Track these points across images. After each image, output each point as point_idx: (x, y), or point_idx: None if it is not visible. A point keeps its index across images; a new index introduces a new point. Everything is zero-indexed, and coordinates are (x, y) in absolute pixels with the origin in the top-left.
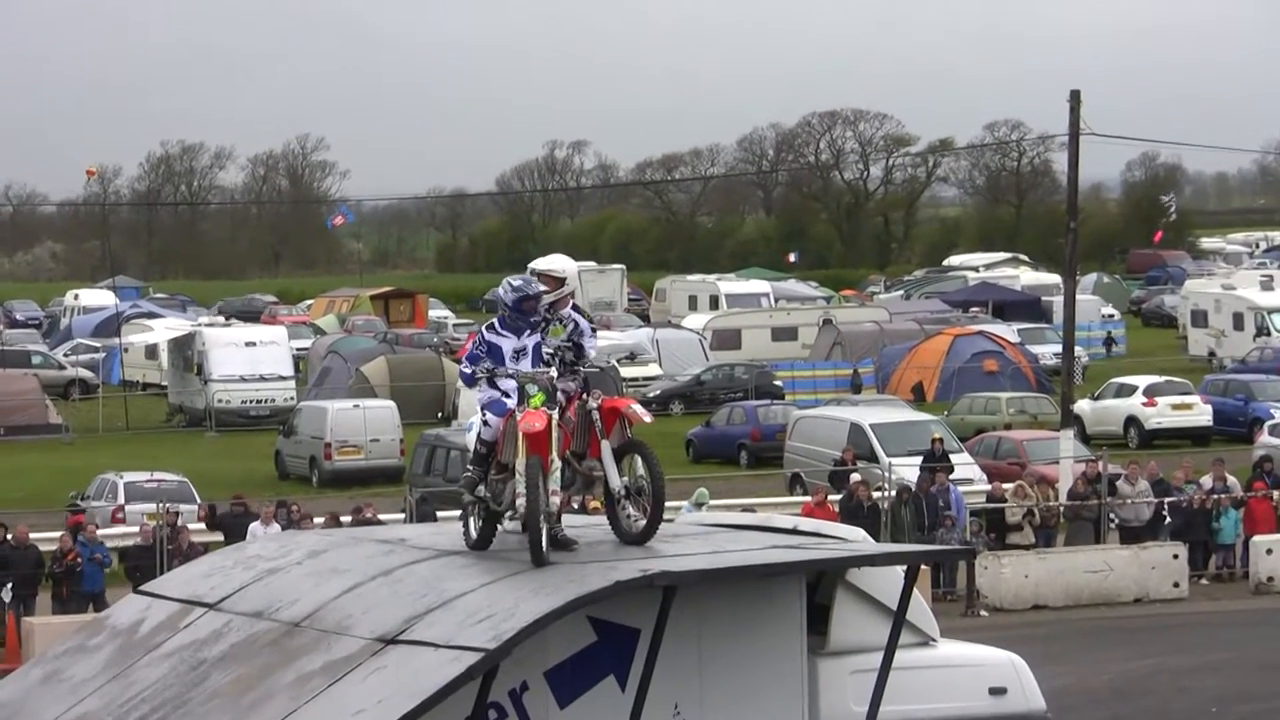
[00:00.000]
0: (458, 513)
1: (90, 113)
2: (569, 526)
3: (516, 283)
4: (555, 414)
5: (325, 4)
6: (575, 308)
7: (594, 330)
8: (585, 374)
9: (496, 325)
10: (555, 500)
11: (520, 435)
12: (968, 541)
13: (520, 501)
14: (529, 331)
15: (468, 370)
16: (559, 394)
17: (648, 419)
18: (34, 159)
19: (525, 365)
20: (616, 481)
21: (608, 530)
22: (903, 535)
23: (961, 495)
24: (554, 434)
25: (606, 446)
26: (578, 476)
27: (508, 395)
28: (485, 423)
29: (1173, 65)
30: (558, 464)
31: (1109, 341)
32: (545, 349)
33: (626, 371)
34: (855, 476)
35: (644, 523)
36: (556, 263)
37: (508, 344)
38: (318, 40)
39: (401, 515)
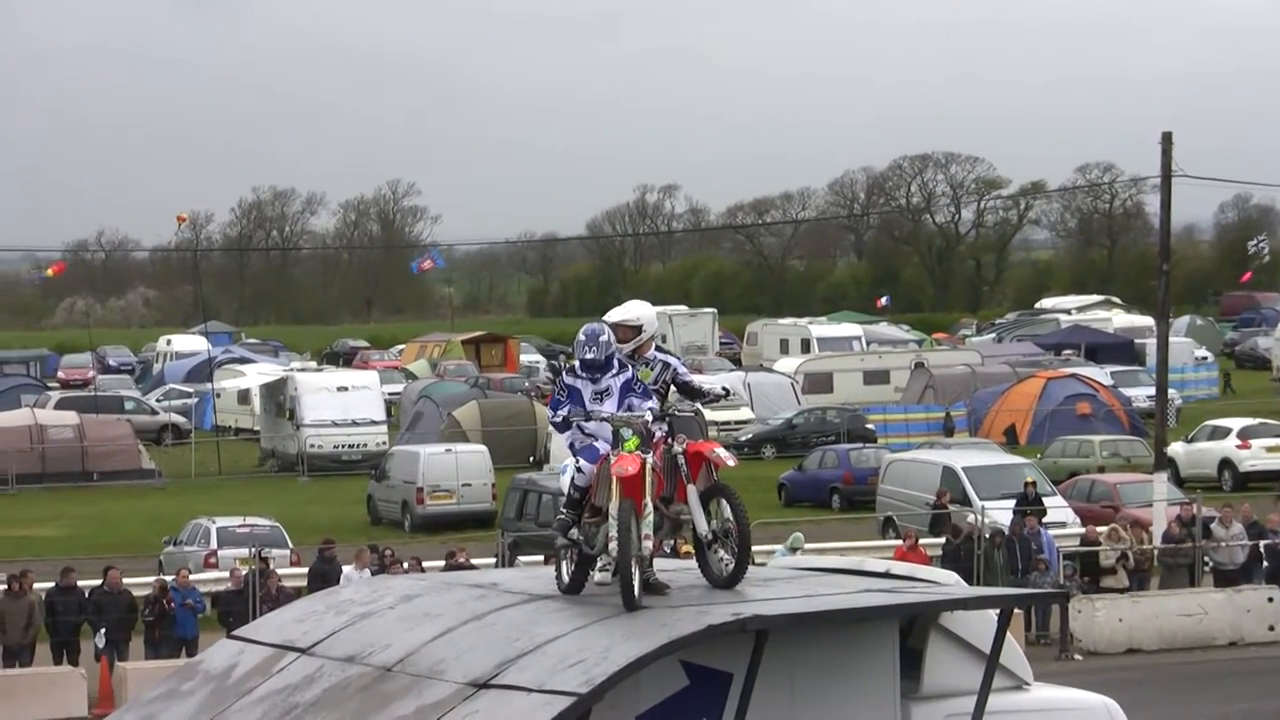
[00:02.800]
0: (539, 557)
1: (181, 160)
2: (660, 570)
3: (581, 338)
4: (650, 457)
5: (415, 52)
6: (660, 348)
7: (690, 367)
8: (671, 419)
9: (576, 368)
10: (648, 544)
11: (614, 479)
12: (1061, 585)
13: (613, 545)
14: (614, 372)
15: (556, 418)
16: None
17: (732, 463)
18: (126, 206)
19: (610, 406)
20: (704, 525)
21: (699, 575)
22: (996, 579)
23: (1054, 539)
24: (648, 478)
25: (693, 491)
26: (665, 521)
27: (596, 439)
28: (579, 468)
29: (1266, 106)
30: (650, 508)
31: (1226, 377)
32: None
33: (717, 415)
34: (969, 518)
35: (733, 566)
36: (630, 312)
37: (587, 388)
38: (408, 88)
39: (493, 560)
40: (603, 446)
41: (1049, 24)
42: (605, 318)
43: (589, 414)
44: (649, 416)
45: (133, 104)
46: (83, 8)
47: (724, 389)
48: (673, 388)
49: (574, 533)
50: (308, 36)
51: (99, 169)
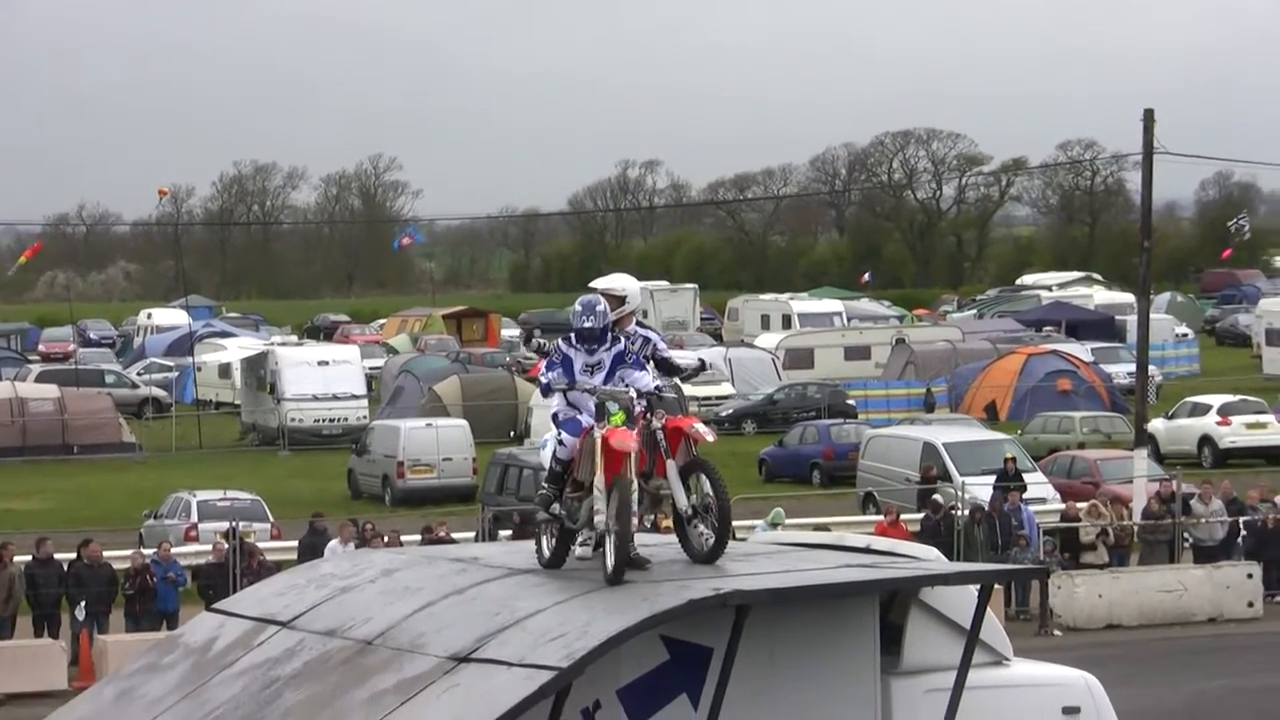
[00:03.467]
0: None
1: (163, 134)
2: (641, 546)
3: (578, 308)
4: (635, 432)
5: (398, 27)
6: (640, 324)
7: (669, 343)
8: (649, 395)
9: (572, 338)
10: (634, 521)
11: (598, 453)
12: (1041, 561)
13: (598, 519)
14: (607, 345)
15: (545, 379)
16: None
17: (711, 438)
18: (107, 180)
19: (598, 379)
20: (684, 501)
21: (679, 550)
22: (976, 554)
23: (1034, 515)
24: (634, 453)
25: (672, 466)
26: (645, 496)
27: (580, 411)
28: (561, 441)
29: (1247, 84)
30: (635, 484)
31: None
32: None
33: (698, 390)
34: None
35: (713, 541)
36: (617, 281)
37: (580, 358)
38: (390, 65)
39: (473, 535)
40: (585, 420)
41: (1032, 1)
42: (592, 285)
43: (571, 384)
44: (634, 391)
45: (114, 78)
46: None
47: (700, 360)
48: (651, 363)
49: (555, 507)
50: (290, 12)
51: (80, 143)
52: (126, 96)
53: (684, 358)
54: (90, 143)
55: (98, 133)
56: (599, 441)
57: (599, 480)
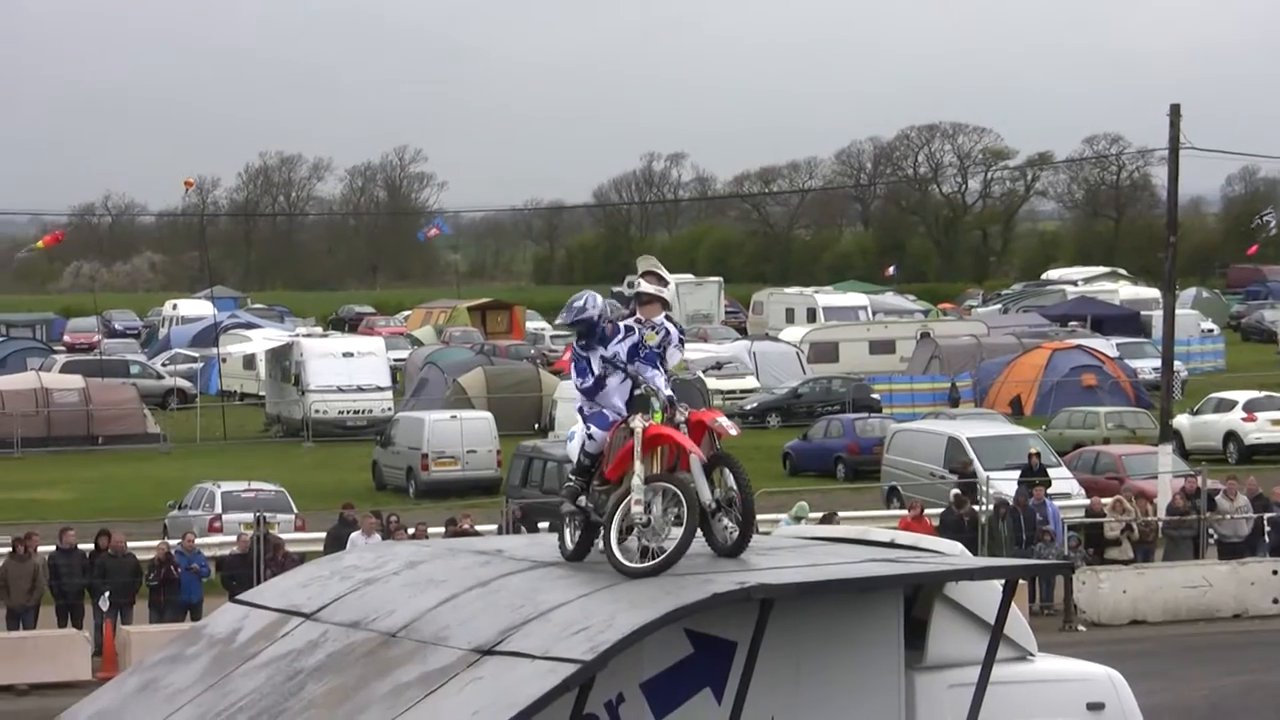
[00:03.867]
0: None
1: (189, 126)
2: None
3: (578, 304)
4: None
5: (422, 23)
6: (668, 317)
7: (682, 342)
8: (672, 385)
9: (575, 343)
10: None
11: (639, 445)
12: (1066, 556)
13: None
14: (620, 337)
15: (587, 382)
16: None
17: (734, 432)
18: (133, 171)
19: (619, 375)
20: (707, 495)
21: (702, 544)
22: (1000, 549)
23: (1059, 510)
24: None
25: (696, 460)
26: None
27: (605, 407)
28: (590, 435)
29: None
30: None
31: None
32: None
33: (722, 384)
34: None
35: (737, 535)
36: (649, 270)
37: (594, 357)
38: (415, 57)
39: (497, 527)
40: (611, 414)
41: None
42: (641, 261)
43: (625, 366)
44: (659, 382)
45: (140, 69)
46: None
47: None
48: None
49: (583, 500)
50: (316, 3)
51: (106, 134)
52: (152, 88)
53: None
54: (115, 134)
55: (122, 124)
56: (639, 433)
57: (639, 469)
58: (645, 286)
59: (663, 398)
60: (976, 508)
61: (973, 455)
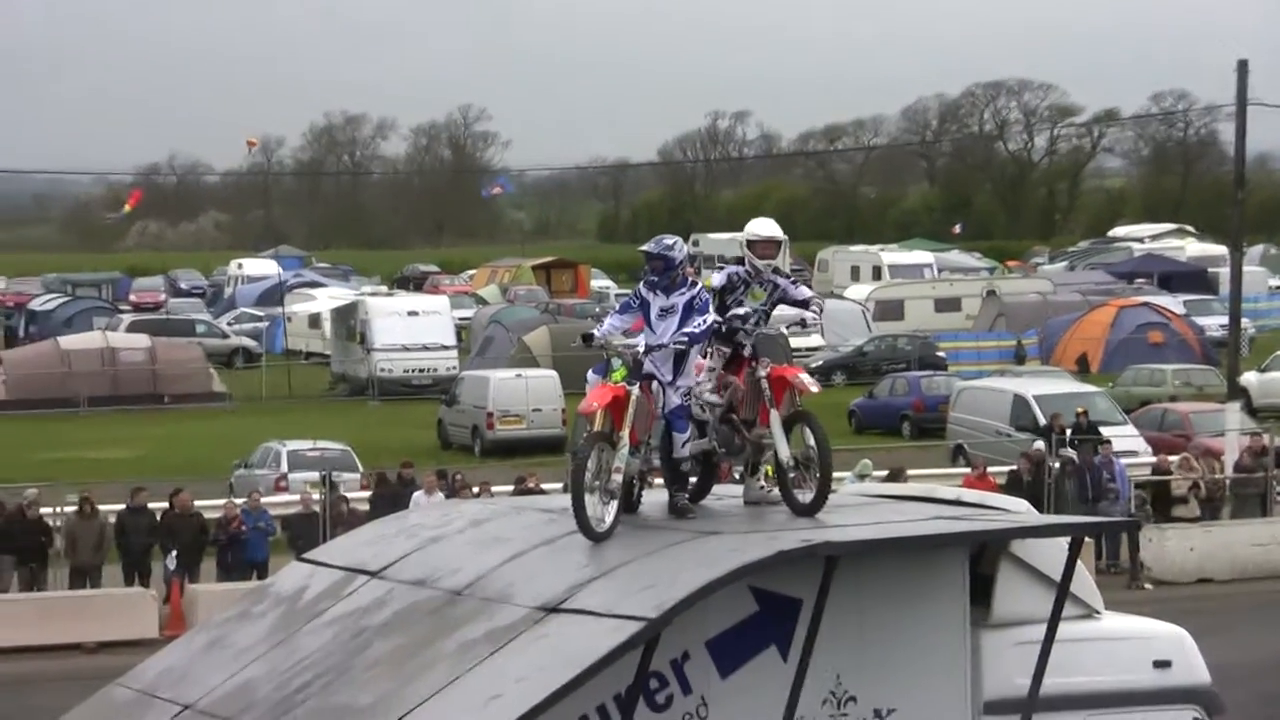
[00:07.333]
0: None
1: (252, 84)
2: (728, 496)
3: (650, 248)
4: (634, 390)
5: None
6: (777, 271)
7: (795, 283)
8: (755, 341)
9: (652, 280)
10: (617, 477)
11: (632, 408)
12: (1132, 514)
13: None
14: (681, 290)
15: (599, 328)
16: (715, 357)
17: (815, 389)
18: (197, 130)
19: (671, 324)
20: (785, 452)
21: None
22: (1066, 507)
23: (1125, 468)
24: (627, 413)
25: (776, 416)
26: (747, 444)
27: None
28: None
29: None
30: (626, 441)
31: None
32: (725, 314)
33: (795, 341)
34: (1039, 445)
35: (813, 494)
36: (764, 228)
37: (656, 299)
38: (479, 14)
39: (562, 485)
40: (592, 377)
41: None
42: (749, 230)
43: (589, 335)
44: (641, 348)
45: (203, 27)
46: None
47: (771, 332)
48: (782, 308)
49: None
50: None
51: (169, 93)
52: (215, 46)
53: (805, 293)
54: (179, 93)
55: (186, 83)
56: (635, 396)
57: (626, 433)
58: (764, 231)
59: (627, 356)
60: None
61: (1038, 413)
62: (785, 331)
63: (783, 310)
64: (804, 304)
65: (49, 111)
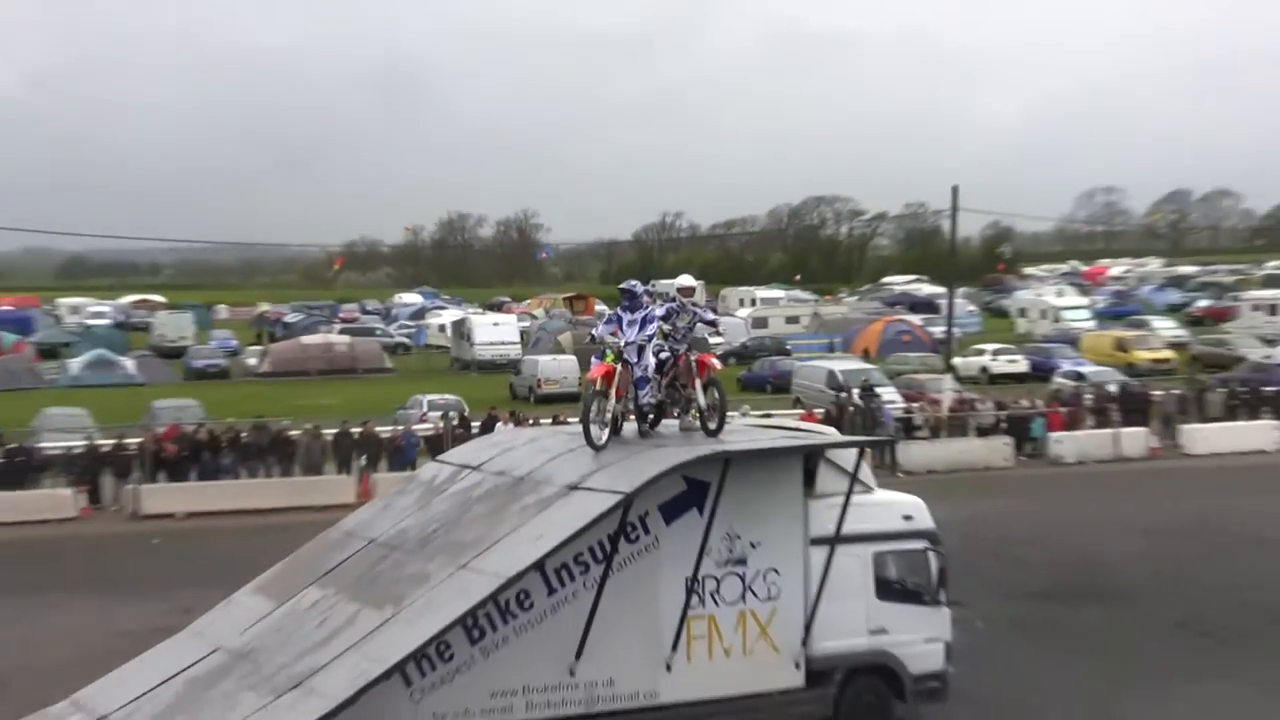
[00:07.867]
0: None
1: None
2: (671, 427)
3: (623, 286)
4: (619, 367)
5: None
6: (695, 304)
7: (714, 312)
8: (690, 340)
9: (621, 303)
10: (608, 415)
11: (618, 376)
12: (892, 435)
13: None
14: (641, 311)
15: (596, 331)
16: (667, 350)
17: (719, 366)
18: (377, 215)
19: (634, 331)
20: (703, 401)
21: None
22: (856, 431)
23: (889, 409)
24: (614, 379)
25: (699, 383)
26: (682, 398)
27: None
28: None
29: (1035, 159)
30: (613, 398)
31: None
32: (665, 325)
33: (711, 340)
34: (842, 396)
35: (716, 425)
36: (691, 281)
37: (626, 315)
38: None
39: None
40: (594, 360)
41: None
42: (677, 281)
43: (592, 335)
44: (621, 343)
45: (375, 151)
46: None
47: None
48: (699, 324)
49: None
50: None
51: (358, 197)
52: (378, 154)
53: (712, 315)
54: (364, 196)
55: (367, 189)
56: (619, 370)
57: (614, 391)
58: (685, 282)
59: (614, 346)
60: (832, 410)
61: (841, 379)
62: (705, 336)
63: (700, 328)
64: (713, 322)
65: (293, 203)
